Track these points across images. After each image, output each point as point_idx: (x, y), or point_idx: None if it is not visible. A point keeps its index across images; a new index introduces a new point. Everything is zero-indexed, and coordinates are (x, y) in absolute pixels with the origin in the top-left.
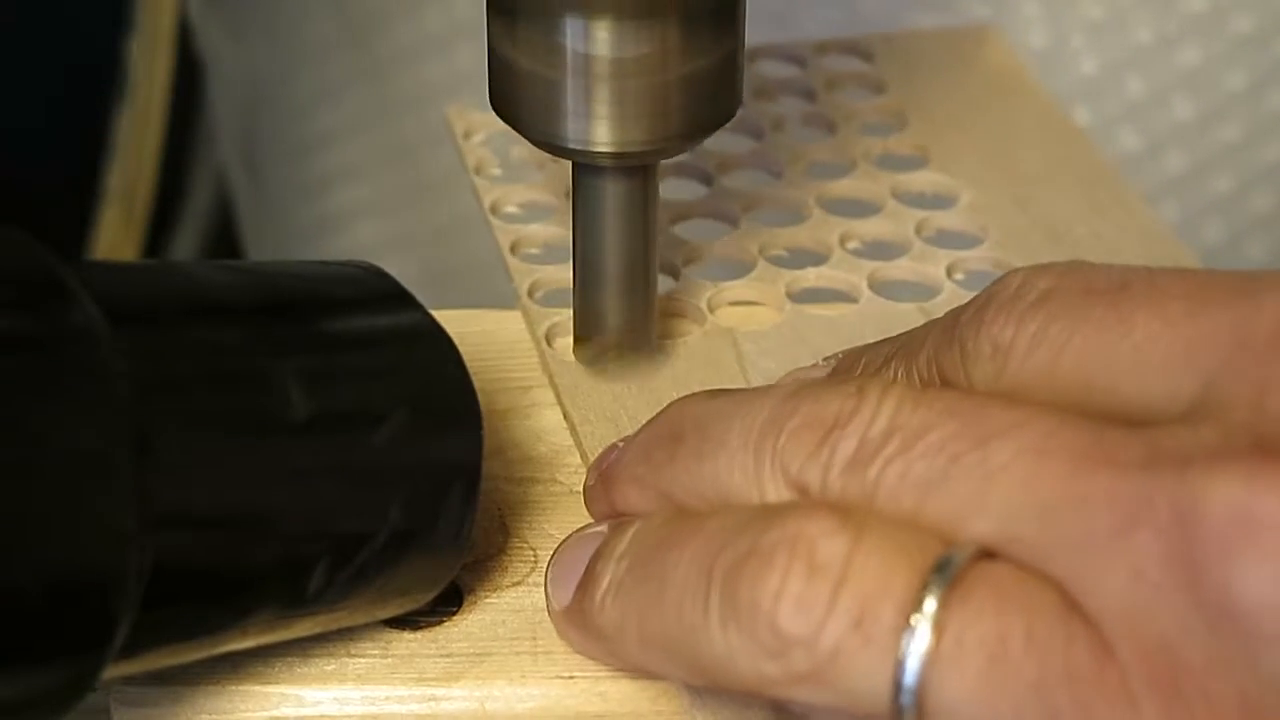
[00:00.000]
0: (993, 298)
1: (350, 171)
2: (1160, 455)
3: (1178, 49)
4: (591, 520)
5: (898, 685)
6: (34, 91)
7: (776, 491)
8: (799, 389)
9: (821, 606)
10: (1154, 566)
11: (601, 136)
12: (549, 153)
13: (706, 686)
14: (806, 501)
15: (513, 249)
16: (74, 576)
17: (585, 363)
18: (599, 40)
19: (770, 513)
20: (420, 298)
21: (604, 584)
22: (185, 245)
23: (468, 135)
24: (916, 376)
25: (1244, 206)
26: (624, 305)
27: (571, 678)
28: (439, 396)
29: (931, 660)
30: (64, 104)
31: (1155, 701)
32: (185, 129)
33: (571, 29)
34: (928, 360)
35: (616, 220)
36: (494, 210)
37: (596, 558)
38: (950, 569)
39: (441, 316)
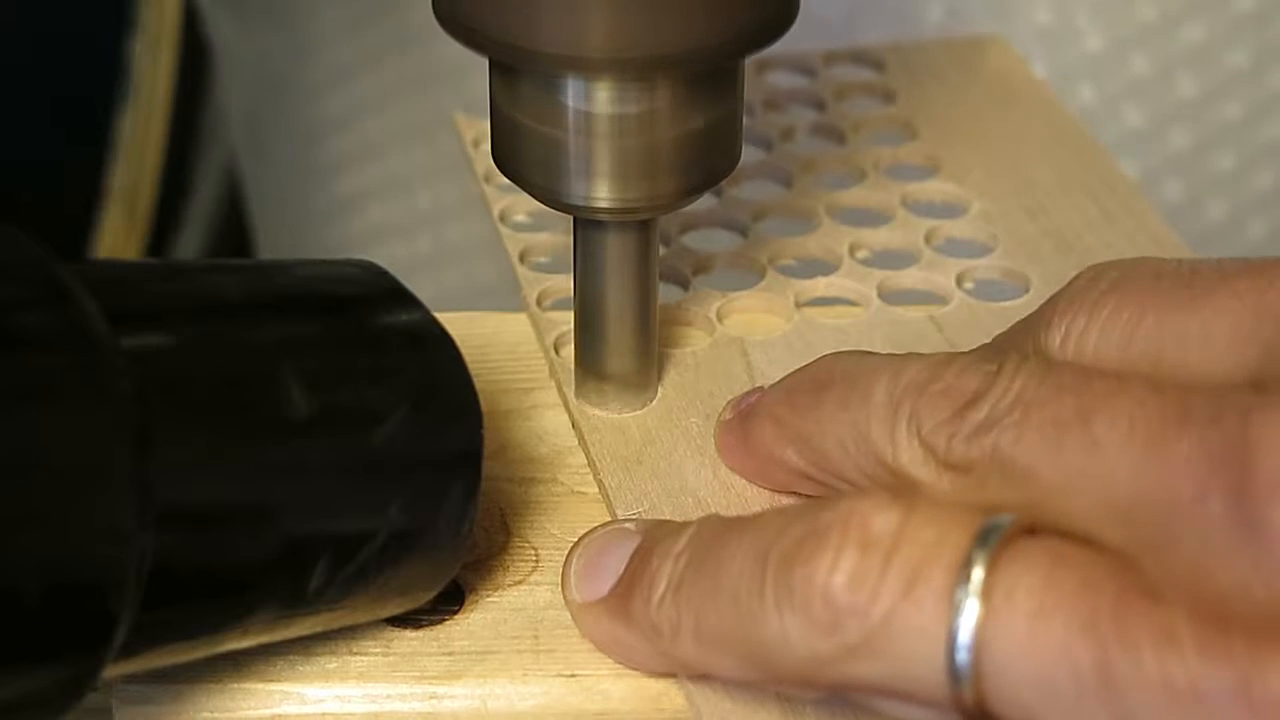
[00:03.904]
0: (1065, 291)
1: (360, 154)
2: (1226, 408)
3: (1181, 26)
4: (595, 519)
5: (952, 646)
6: (36, 91)
7: (909, 446)
8: (948, 358)
9: (874, 576)
10: (1220, 533)
11: (603, 193)
12: (551, 208)
13: (761, 680)
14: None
15: (521, 258)
16: (73, 576)
17: (586, 406)
18: (600, 99)
19: (825, 501)
20: (430, 280)
21: (663, 583)
22: (189, 245)
23: (477, 144)
24: None
25: (1246, 184)
26: (625, 353)
27: (573, 676)
28: (440, 395)
29: (985, 619)
30: (66, 103)
31: (1198, 642)
32: (190, 127)
33: (573, 88)
34: None
35: (617, 272)
36: (503, 218)
37: (650, 555)
38: (998, 534)
39: (444, 318)
